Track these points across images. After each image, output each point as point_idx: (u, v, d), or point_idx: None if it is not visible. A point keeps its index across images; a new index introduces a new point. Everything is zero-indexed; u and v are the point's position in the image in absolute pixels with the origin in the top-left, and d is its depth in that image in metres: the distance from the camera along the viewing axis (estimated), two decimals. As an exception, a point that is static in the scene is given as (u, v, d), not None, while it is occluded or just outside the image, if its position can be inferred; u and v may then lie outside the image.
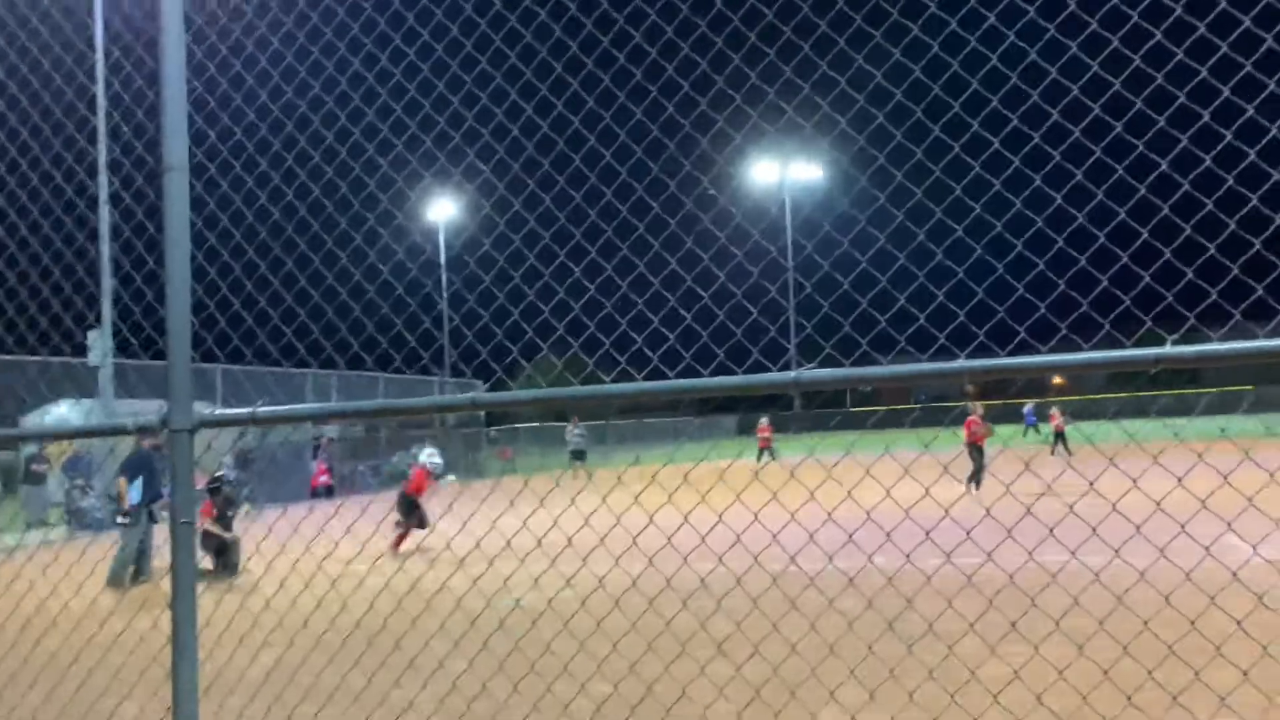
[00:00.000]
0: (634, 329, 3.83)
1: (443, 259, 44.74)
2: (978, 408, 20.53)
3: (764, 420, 35.14)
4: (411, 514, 15.22)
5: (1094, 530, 4.21)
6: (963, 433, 19.81)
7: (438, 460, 16.46)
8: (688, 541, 5.09)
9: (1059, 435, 28.58)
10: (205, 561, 12.96)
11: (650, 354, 3.48)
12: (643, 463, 33.05)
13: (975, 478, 18.62)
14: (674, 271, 3.84)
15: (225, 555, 13.35)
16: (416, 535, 15.22)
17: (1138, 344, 3.04)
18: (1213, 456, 4.09)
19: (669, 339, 3.70)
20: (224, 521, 13.57)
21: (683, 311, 3.84)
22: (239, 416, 4.06)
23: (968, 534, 4.68)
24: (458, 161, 4.57)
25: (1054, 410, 29.84)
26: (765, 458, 31.99)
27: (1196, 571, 4.33)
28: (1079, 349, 3.06)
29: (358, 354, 5.27)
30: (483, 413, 38.55)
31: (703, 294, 3.54)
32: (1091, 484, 3.63)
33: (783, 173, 55.87)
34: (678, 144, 3.87)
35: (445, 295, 35.84)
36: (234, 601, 10.67)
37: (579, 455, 32.72)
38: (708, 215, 4.15)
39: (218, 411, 3.72)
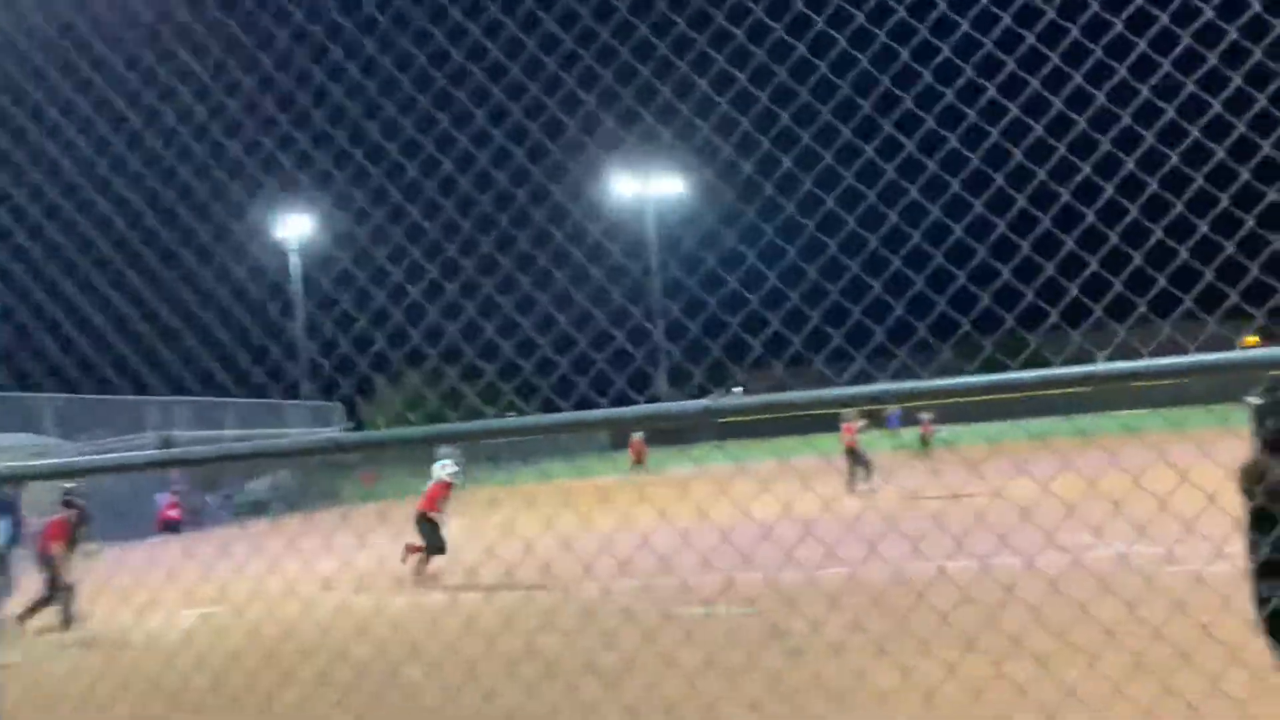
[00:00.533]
0: (500, 349, 3.44)
1: (299, 277, 42.83)
2: (853, 413, 20.99)
3: (637, 435, 34.91)
4: (435, 536, 13.58)
5: (1005, 535, 4.09)
6: (843, 436, 20.28)
7: (455, 469, 14.69)
8: (566, 562, 4.73)
9: (924, 440, 29.42)
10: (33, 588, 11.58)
11: (547, 385, 3.11)
12: (516, 482, 32.36)
13: (865, 477, 19.40)
14: (543, 291, 3.47)
15: (58, 600, 11.86)
16: (423, 559, 13.57)
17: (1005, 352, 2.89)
18: (1085, 455, 4.00)
19: (550, 360, 3.34)
20: (72, 546, 12.01)
21: (570, 329, 3.48)
22: (52, 468, 3.46)
23: (873, 542, 4.51)
24: (312, 178, 4.08)
25: (924, 417, 30.37)
26: (639, 470, 31.86)
27: (1073, 574, 4.26)
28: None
29: (206, 377, 4.69)
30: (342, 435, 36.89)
31: (599, 315, 3.19)
32: (1006, 487, 3.49)
33: (645, 189, 56.14)
34: (541, 160, 3.50)
35: (301, 315, 34.18)
36: (71, 659, 9.60)
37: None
38: (575, 237, 3.79)
39: (17, 463, 3.13)
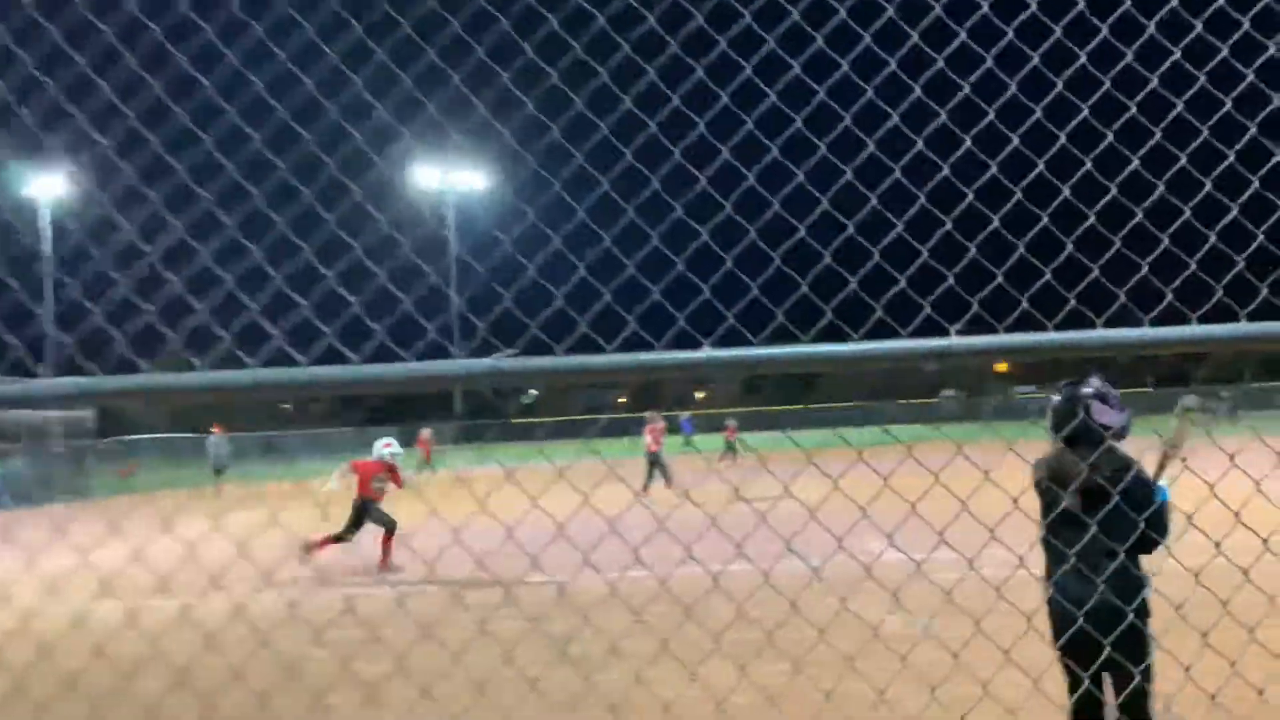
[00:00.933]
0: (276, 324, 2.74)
1: (48, 238, 38.52)
2: (658, 417, 21.12)
3: (425, 432, 33.67)
4: (358, 524, 11.74)
5: (833, 529, 3.73)
6: (646, 439, 20.09)
7: (397, 450, 12.82)
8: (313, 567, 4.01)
9: (730, 445, 30.00)
10: None
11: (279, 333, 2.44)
12: (291, 477, 30.38)
13: (648, 483, 19.19)
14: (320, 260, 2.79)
15: None
16: (338, 541, 11.75)
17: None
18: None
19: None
20: None
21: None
22: None
23: (694, 543, 4.06)
24: (71, 137, 3.21)
25: (729, 422, 31.18)
26: (425, 470, 30.68)
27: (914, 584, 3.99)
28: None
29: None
30: (93, 423, 33.44)
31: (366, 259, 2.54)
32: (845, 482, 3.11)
33: (444, 176, 54.88)
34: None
35: (50, 282, 30.55)
36: None
37: (221, 470, 29.30)
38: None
39: None
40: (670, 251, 2.37)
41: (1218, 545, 2.86)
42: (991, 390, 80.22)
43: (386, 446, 12.71)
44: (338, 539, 11.74)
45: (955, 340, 2.28)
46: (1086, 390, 4.05)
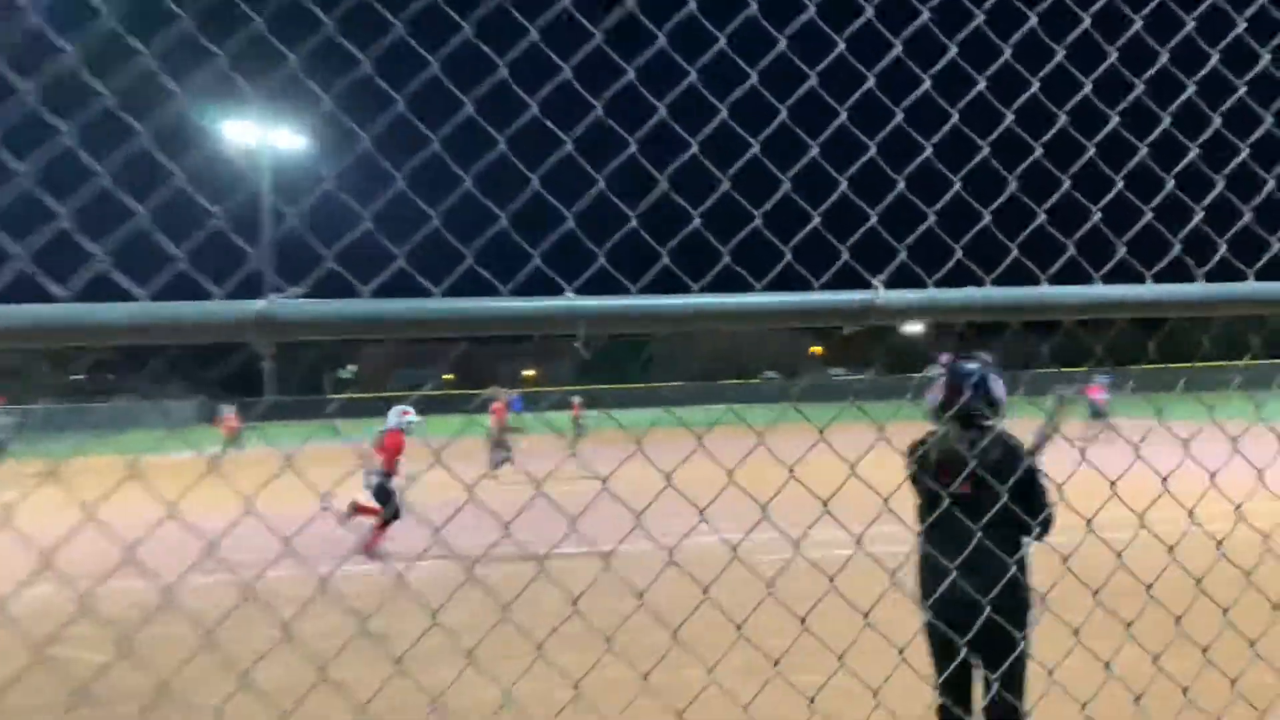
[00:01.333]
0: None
1: None
2: (503, 394, 20.50)
3: (228, 409, 31.37)
4: (388, 496, 10.49)
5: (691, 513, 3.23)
6: (490, 420, 19.23)
7: (414, 419, 11.08)
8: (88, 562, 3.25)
9: (576, 424, 29.21)
10: None
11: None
12: (84, 453, 27.69)
13: (500, 463, 18.51)
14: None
15: None
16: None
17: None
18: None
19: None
20: None
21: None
22: None
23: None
24: None
25: (575, 399, 30.23)
26: (229, 448, 28.60)
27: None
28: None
29: None
30: None
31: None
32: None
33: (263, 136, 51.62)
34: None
35: None
36: None
37: (1, 447, 26.32)
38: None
39: None
40: (526, 169, 1.77)
41: (1166, 543, 2.55)
42: (806, 371, 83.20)
43: (405, 414, 11.23)
44: (386, 522, 10.68)
45: (883, 294, 1.82)
46: (975, 366, 3.73)
